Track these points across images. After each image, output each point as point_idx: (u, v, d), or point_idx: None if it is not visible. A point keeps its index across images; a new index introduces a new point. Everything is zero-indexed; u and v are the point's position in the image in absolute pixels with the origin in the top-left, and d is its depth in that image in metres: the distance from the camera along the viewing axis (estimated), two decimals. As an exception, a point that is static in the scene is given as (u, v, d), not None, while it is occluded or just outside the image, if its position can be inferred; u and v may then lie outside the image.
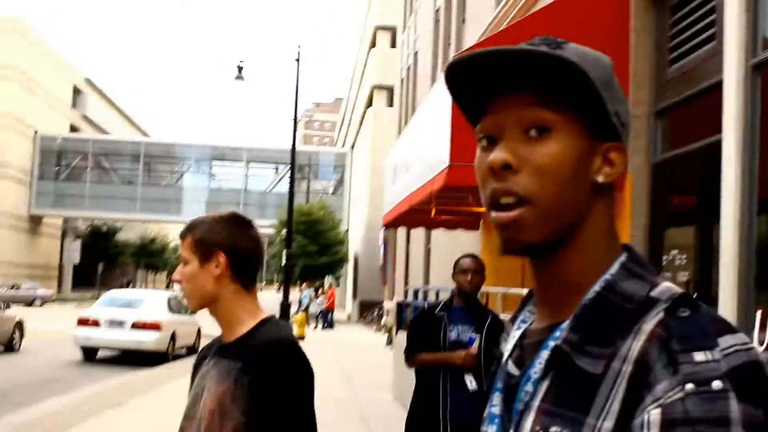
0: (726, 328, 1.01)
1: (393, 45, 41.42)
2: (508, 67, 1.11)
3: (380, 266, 36.59)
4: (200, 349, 2.82)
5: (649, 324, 1.03)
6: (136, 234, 72.78)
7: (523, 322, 1.26)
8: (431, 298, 12.90)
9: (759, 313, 5.27)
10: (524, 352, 1.19)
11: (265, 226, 52.93)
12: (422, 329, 5.86)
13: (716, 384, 0.94)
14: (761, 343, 5.20)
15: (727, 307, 5.56)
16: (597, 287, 1.10)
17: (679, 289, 1.08)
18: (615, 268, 1.12)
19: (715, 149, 6.01)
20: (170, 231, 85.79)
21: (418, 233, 20.95)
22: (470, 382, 5.68)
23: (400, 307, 15.15)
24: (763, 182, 5.59)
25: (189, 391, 2.63)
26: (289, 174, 29.31)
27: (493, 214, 1.13)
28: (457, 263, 5.96)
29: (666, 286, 1.09)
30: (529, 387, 1.13)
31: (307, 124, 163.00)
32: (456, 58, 1.14)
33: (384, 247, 33.20)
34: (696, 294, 6.95)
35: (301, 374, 2.42)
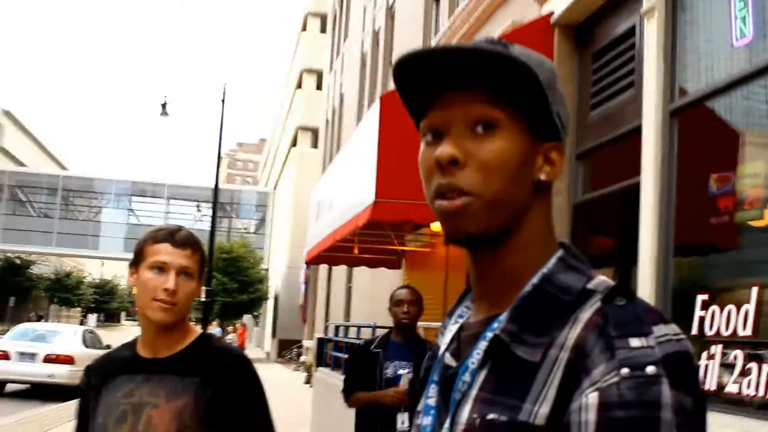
0: (659, 318, 1.04)
1: (319, 87, 41.60)
2: (459, 64, 1.12)
3: (300, 305, 36.36)
4: (88, 368, 2.68)
5: (586, 313, 1.05)
6: (50, 268, 71.00)
7: (460, 316, 1.27)
8: (352, 334, 12.86)
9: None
10: (462, 345, 1.20)
11: (185, 263, 52.11)
12: (358, 367, 5.65)
13: (650, 369, 0.97)
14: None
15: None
16: (535, 280, 1.12)
17: (612, 282, 1.11)
18: (552, 261, 1.14)
19: (634, 191, 6.17)
20: (86, 266, 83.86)
21: (339, 272, 20.93)
22: (402, 423, 5.45)
23: (321, 343, 15.06)
24: (679, 224, 5.75)
25: (94, 413, 2.52)
26: (210, 212, 29.05)
27: (437, 202, 1.14)
28: (392, 296, 5.66)
29: (601, 279, 1.11)
30: (466, 377, 1.13)
31: (230, 163, 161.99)
32: (407, 54, 1.14)
33: (305, 285, 33.03)
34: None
35: (261, 384, 2.60)
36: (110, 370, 2.56)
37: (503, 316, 1.12)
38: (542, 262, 1.15)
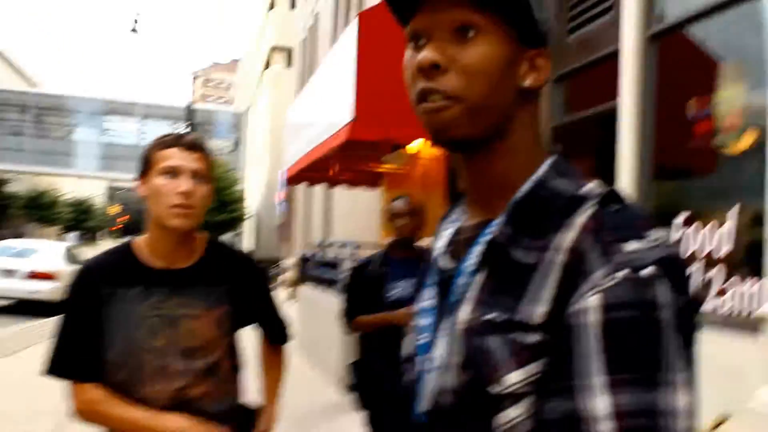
0: (651, 224, 1.07)
1: (293, 6, 40.97)
2: None
3: (279, 224, 36.45)
4: (88, 275, 2.49)
5: (581, 217, 1.08)
6: (25, 187, 70.42)
7: (454, 221, 1.30)
8: (333, 252, 13.01)
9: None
10: (457, 248, 1.23)
11: (161, 182, 51.77)
12: (359, 289, 5.07)
13: (649, 270, 0.99)
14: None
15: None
16: (528, 184, 1.15)
17: (607, 187, 1.13)
18: (545, 167, 1.17)
19: (612, 115, 6.26)
20: (62, 185, 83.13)
21: (318, 191, 20.97)
22: None
23: (303, 261, 15.22)
24: (657, 148, 5.84)
25: (106, 324, 2.43)
26: (185, 131, 28.88)
27: (421, 105, 1.15)
28: (389, 208, 5.16)
29: (594, 185, 1.14)
30: (463, 279, 1.17)
31: (204, 82, 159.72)
32: None
33: (283, 204, 33.08)
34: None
35: (267, 275, 2.78)
36: (119, 279, 2.46)
37: (498, 220, 1.15)
38: (533, 168, 1.17)
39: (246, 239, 50.76)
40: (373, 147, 11.26)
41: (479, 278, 1.14)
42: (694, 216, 5.20)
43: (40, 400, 8.24)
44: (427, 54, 1.13)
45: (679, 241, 1.07)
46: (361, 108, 8.56)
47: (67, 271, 19.50)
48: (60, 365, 2.48)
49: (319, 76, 12.41)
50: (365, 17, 8.87)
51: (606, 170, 6.45)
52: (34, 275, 18.81)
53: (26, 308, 19.19)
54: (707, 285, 4.87)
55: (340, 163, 12.56)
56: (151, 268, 2.47)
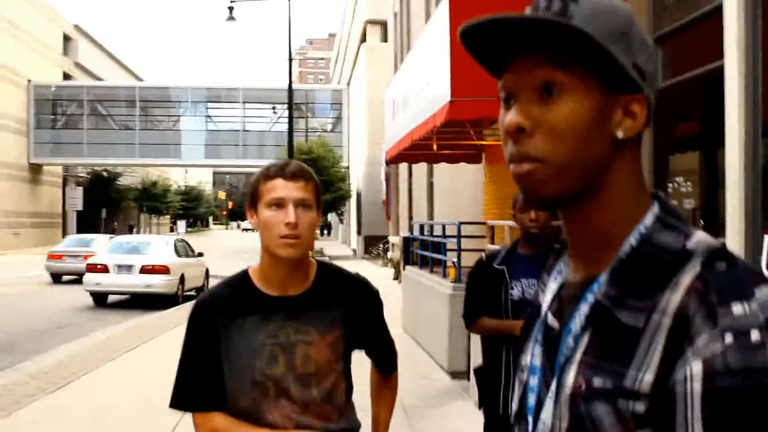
0: (762, 280, 1.02)
1: (385, -22, 40.85)
2: (515, 33, 1.13)
3: (383, 201, 36.61)
4: (205, 306, 2.61)
5: (687, 277, 1.04)
6: (136, 179, 72.74)
7: (559, 273, 1.27)
8: (437, 231, 12.95)
9: (767, 237, 5.32)
10: (563, 305, 1.21)
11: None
12: (481, 287, 4.74)
13: (755, 334, 0.96)
14: (768, 266, 5.26)
15: (734, 232, 5.61)
16: (632, 240, 1.12)
17: (714, 241, 1.09)
18: (649, 219, 1.13)
19: (718, 74, 6.00)
20: (171, 174, 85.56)
21: (420, 167, 20.95)
22: None
23: (407, 242, 15.24)
24: (766, 105, 5.59)
25: (226, 353, 2.54)
26: (287, 113, 29.17)
27: (511, 167, 1.16)
28: (515, 200, 4.72)
29: (701, 238, 1.10)
30: (570, 341, 1.15)
31: (301, 62, 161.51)
32: (464, 27, 1.15)
33: (386, 182, 33.19)
34: (702, 221, 7.01)
35: (382, 303, 2.84)
36: (235, 309, 2.56)
37: (603, 279, 1.12)
38: (635, 219, 1.14)
39: (352, 217, 51.24)
40: (473, 123, 11.14)
41: (585, 340, 1.12)
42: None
43: (157, 398, 8.45)
44: (512, 117, 1.14)
45: None
46: (457, 88, 8.48)
47: (178, 263, 20.14)
48: (183, 398, 2.61)
49: (414, 55, 12.35)
50: (456, -7, 8.74)
51: (713, 133, 6.21)
52: (149, 269, 19.44)
53: (142, 302, 19.85)
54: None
55: (440, 141, 12.46)
56: (266, 296, 2.57)
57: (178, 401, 2.61)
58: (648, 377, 1.02)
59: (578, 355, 1.12)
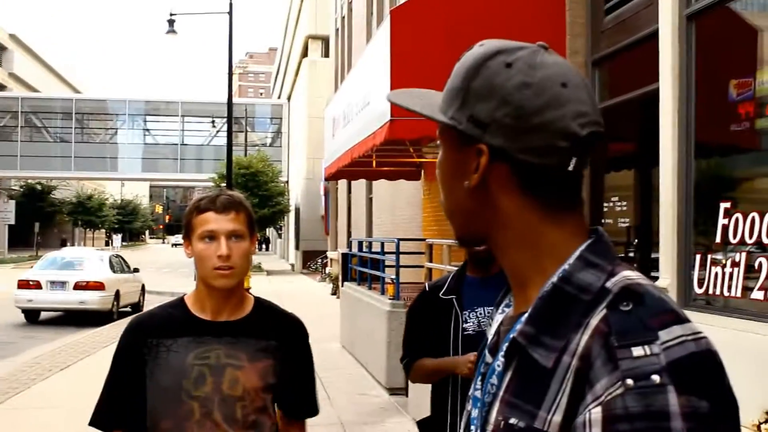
0: (671, 319, 1.01)
1: (326, -7, 40.90)
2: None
3: (322, 216, 36.52)
4: (137, 328, 2.66)
5: (596, 318, 1.04)
6: (71, 192, 71.51)
7: (507, 306, 1.28)
8: (376, 248, 12.94)
9: (698, 258, 5.42)
10: (497, 340, 1.22)
11: (203, 180, 52.29)
12: (423, 324, 3.96)
13: (655, 378, 0.95)
14: (700, 284, 5.35)
15: (667, 250, 5.71)
16: (555, 278, 1.11)
17: (633, 278, 1.08)
18: (573, 257, 1.12)
19: (653, 97, 6.10)
20: (107, 187, 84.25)
21: (359, 184, 20.96)
22: None
23: (345, 258, 15.21)
24: (699, 130, 5.70)
25: (153, 373, 2.56)
26: (226, 127, 28.95)
27: None
28: None
29: (621, 276, 1.08)
30: (494, 379, 1.16)
31: (241, 76, 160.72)
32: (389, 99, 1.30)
33: (325, 197, 33.13)
34: (637, 240, 7.12)
35: (310, 347, 2.81)
36: (168, 330, 2.61)
37: (524, 317, 1.13)
38: (548, 259, 1.13)
39: (290, 232, 51.02)
40: (411, 141, 11.18)
41: (507, 377, 1.12)
42: (736, 202, 5.05)
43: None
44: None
45: (699, 338, 0.92)
46: (397, 108, 8.40)
47: (113, 279, 19.80)
48: (101, 417, 2.65)
49: (356, 74, 12.36)
50: (397, 14, 8.78)
51: (648, 154, 6.31)
52: (82, 286, 19.09)
53: (76, 319, 19.46)
54: (755, 274, 4.72)
55: (379, 158, 12.46)
56: (200, 320, 2.62)
57: (96, 420, 2.66)
58: (557, 418, 1.02)
59: (500, 393, 1.12)
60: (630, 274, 1.09)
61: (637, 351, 0.97)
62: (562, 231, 1.15)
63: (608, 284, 1.08)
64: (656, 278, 5.79)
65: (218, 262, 2.53)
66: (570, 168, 1.12)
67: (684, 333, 0.99)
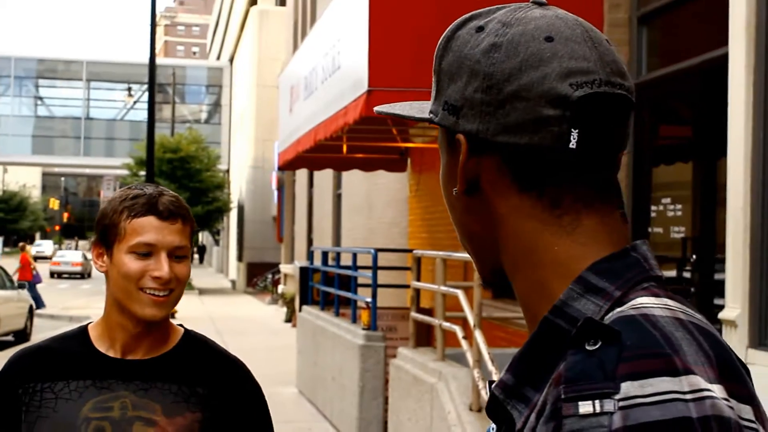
0: (657, 367, 0.98)
1: None
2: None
3: (274, 218, 36.49)
4: (11, 368, 2.59)
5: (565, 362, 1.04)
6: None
7: None
8: (345, 260, 12.93)
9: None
10: None
11: (115, 167, 52.08)
12: None
13: None
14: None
15: (736, 271, 5.70)
16: (547, 312, 1.11)
17: (644, 306, 1.06)
18: (572, 283, 1.12)
19: (719, 65, 6.12)
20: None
21: (324, 175, 20.94)
22: None
23: (305, 274, 15.17)
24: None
25: (40, 428, 2.48)
26: (146, 96, 28.87)
27: None
28: None
29: (630, 305, 1.07)
30: None
31: (168, 28, 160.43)
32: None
33: (279, 192, 33.10)
34: (695, 256, 7.12)
35: (263, 395, 2.70)
36: (57, 370, 2.53)
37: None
38: (556, 281, 1.13)
39: (231, 237, 51.02)
40: (395, 120, 11.16)
41: None
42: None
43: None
44: None
45: (699, 399, 0.90)
46: (377, 74, 8.50)
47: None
48: None
49: (321, 28, 12.35)
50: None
51: (712, 140, 6.32)
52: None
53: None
54: None
55: (352, 141, 12.46)
56: (104, 357, 2.53)
57: None
58: None
59: None
60: (645, 302, 1.06)
61: (584, 407, 0.96)
62: (573, 240, 1.14)
63: (608, 316, 1.06)
64: (720, 308, 5.79)
65: (153, 284, 2.45)
66: (572, 145, 1.10)
67: (676, 389, 0.95)
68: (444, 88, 1.18)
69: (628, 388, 0.95)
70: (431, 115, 1.20)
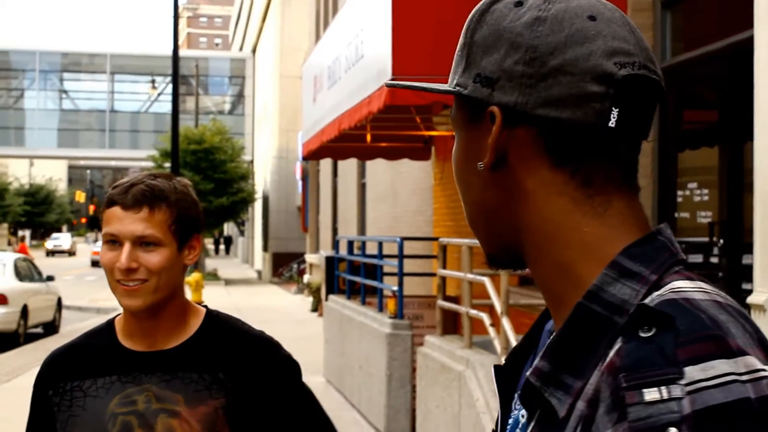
0: (712, 350, 0.98)
1: None
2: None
3: (299, 208, 36.50)
4: (47, 368, 2.63)
5: (614, 349, 1.03)
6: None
7: (548, 332, 1.29)
8: (371, 250, 12.94)
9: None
10: None
11: (140, 159, 52.21)
12: None
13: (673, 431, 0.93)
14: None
15: (764, 255, 5.67)
16: (581, 297, 1.11)
17: (683, 290, 1.06)
18: (605, 269, 1.11)
19: (744, 48, 6.09)
20: (10, 168, 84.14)
21: (348, 164, 20.94)
22: None
23: (330, 263, 15.18)
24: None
25: (66, 427, 2.52)
26: (170, 89, 28.91)
27: None
28: None
29: (668, 288, 1.07)
30: (517, 428, 1.20)
31: (190, 20, 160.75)
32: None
33: (303, 182, 33.11)
34: (722, 240, 7.10)
35: (300, 372, 2.66)
36: (84, 368, 2.54)
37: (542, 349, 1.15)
38: (584, 264, 1.13)
39: (256, 228, 51.06)
40: (420, 108, 11.16)
41: (530, 429, 1.14)
42: None
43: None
44: None
45: (759, 378, 0.89)
46: (400, 62, 8.50)
47: (19, 290, 19.71)
48: None
49: (344, 17, 12.34)
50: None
51: (738, 124, 6.29)
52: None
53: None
54: None
55: (376, 130, 12.44)
56: (129, 352, 2.54)
57: None
58: None
59: None
60: (682, 285, 1.07)
61: (650, 394, 0.96)
62: (604, 222, 1.14)
63: (648, 300, 1.06)
64: (748, 292, 5.77)
65: (119, 274, 2.44)
66: (611, 124, 1.11)
67: (733, 370, 0.95)
68: (477, 60, 1.17)
69: (691, 372, 0.95)
70: (458, 88, 1.19)
